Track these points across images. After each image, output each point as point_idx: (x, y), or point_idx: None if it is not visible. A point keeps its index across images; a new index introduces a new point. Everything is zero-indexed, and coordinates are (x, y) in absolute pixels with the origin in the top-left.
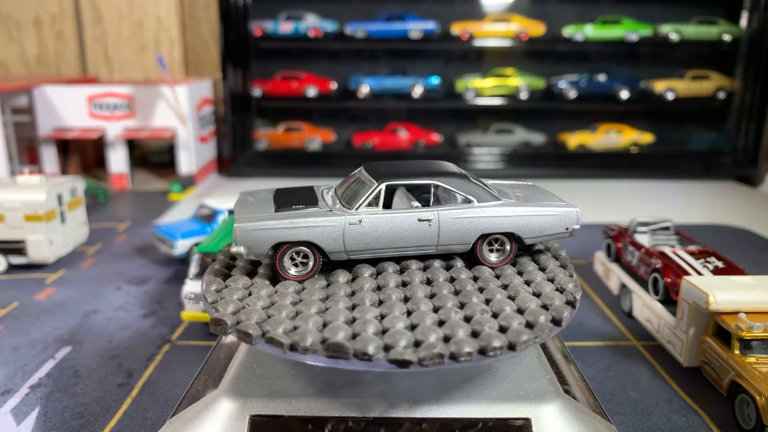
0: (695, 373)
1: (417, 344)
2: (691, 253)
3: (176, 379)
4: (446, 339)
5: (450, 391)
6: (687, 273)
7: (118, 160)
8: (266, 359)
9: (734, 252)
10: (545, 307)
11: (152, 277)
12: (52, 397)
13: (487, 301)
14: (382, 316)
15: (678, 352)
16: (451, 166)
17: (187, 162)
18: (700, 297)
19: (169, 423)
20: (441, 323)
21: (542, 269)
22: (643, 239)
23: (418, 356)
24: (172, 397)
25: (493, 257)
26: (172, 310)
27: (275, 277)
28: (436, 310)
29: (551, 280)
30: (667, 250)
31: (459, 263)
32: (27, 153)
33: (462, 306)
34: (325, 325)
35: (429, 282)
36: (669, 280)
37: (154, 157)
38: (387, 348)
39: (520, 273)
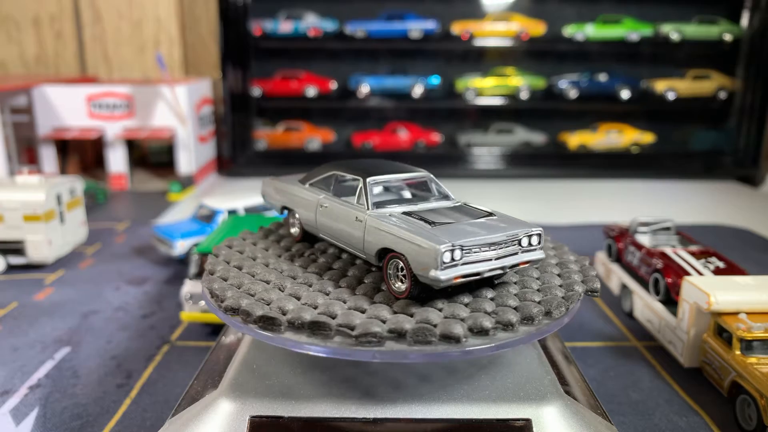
0: (696, 374)
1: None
2: (692, 254)
3: (175, 380)
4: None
5: (450, 391)
6: (688, 273)
7: (117, 160)
8: (266, 360)
9: (735, 252)
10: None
11: (151, 278)
12: (51, 397)
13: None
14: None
15: (679, 352)
16: None
17: (186, 162)
18: (701, 297)
19: (169, 424)
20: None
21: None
22: (644, 239)
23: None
24: (171, 398)
25: None
26: (172, 311)
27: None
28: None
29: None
30: (668, 251)
31: None
32: (26, 153)
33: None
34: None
35: None
36: (670, 280)
37: (153, 157)
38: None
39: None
